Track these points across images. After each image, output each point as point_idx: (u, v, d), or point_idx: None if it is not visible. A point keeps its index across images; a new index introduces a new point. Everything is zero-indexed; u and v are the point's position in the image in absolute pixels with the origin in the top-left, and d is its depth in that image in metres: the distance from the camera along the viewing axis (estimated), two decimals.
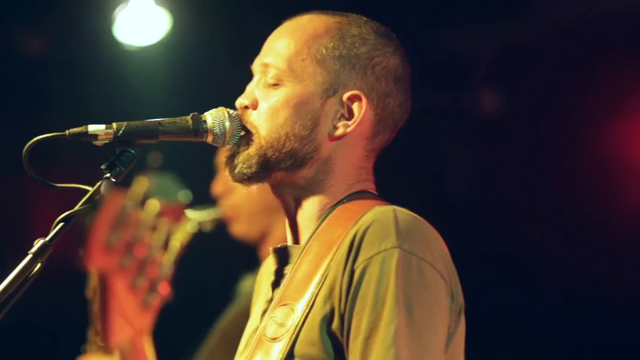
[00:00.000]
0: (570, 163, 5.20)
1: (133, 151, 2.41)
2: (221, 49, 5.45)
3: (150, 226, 3.71)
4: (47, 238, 2.26)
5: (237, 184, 2.52)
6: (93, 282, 3.75)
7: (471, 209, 5.36)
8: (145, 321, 3.63)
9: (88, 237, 3.66)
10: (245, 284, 4.16)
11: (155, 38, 5.51)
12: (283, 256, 2.52)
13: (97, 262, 3.68)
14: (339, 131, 2.49)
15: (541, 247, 5.21)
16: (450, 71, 5.36)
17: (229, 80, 5.09)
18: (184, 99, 5.34)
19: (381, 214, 2.36)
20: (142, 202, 3.77)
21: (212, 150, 3.94)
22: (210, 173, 4.13)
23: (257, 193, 2.54)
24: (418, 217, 2.39)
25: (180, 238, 3.89)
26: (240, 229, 4.08)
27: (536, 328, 5.32)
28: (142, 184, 3.85)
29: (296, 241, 2.52)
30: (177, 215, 3.95)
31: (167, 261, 3.71)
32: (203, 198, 4.17)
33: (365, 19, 2.56)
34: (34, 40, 5.65)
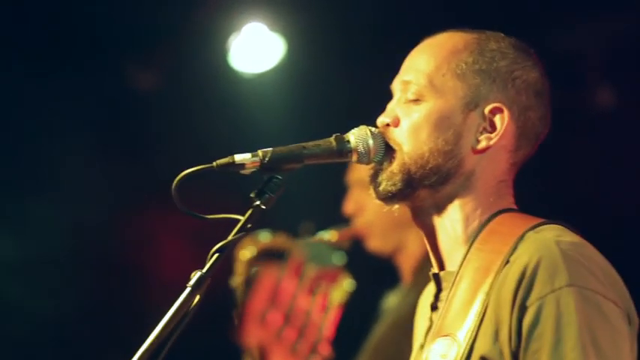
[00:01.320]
0: None
1: (280, 177, 2.39)
2: (335, 70, 5.45)
3: (306, 291, 3.74)
4: (204, 270, 2.24)
5: (375, 203, 2.49)
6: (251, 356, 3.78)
7: (591, 208, 5.24)
8: None
9: (242, 313, 3.71)
10: (389, 301, 4.24)
11: (270, 64, 5.57)
12: (437, 283, 2.49)
13: (254, 338, 3.72)
14: (482, 144, 2.45)
15: None
16: (561, 70, 5.27)
17: (346, 102, 5.11)
18: (303, 123, 5.34)
19: (546, 249, 2.29)
20: (296, 271, 3.82)
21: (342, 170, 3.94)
22: (342, 193, 4.19)
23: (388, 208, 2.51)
24: (580, 242, 2.34)
25: (337, 297, 3.92)
26: (376, 244, 4.15)
27: None
28: (296, 254, 3.90)
29: (441, 265, 2.48)
30: (333, 277, 3.99)
31: (326, 321, 3.72)
32: (337, 218, 4.22)
33: (502, 35, 2.54)
34: (149, 75, 5.71)
